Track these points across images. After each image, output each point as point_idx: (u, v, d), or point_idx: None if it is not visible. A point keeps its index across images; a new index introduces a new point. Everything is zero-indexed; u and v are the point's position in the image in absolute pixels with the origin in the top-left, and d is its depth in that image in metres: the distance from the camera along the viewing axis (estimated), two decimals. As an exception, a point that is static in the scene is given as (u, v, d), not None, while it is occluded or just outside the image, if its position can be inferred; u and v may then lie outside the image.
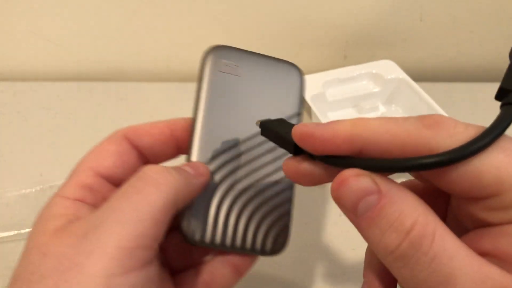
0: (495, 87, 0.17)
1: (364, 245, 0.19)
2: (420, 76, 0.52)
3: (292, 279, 0.34)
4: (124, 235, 0.17)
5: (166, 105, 0.51)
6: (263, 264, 0.35)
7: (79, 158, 0.23)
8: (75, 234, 0.18)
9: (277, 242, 0.24)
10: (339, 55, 0.56)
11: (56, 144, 0.44)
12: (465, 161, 0.15)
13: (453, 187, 0.16)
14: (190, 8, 0.51)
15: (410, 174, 0.20)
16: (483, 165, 0.15)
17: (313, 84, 0.46)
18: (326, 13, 0.52)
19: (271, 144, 0.24)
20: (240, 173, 0.24)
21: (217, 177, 0.24)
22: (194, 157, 0.24)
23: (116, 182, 0.23)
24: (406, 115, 0.46)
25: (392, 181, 0.17)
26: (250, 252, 0.24)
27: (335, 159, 0.18)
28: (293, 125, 0.20)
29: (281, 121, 0.22)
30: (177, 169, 0.21)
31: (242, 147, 0.25)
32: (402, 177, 0.20)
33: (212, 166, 0.24)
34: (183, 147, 0.25)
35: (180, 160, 0.24)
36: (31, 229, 0.20)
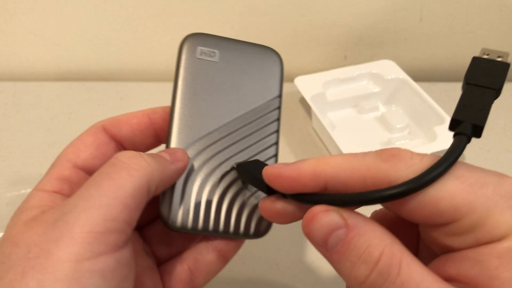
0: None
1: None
2: (420, 76, 0.53)
3: (292, 281, 0.34)
4: (93, 220, 0.17)
5: (166, 105, 0.51)
6: (264, 264, 0.35)
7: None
8: (46, 222, 0.18)
9: (260, 224, 0.24)
10: (339, 55, 0.56)
11: (56, 144, 0.45)
12: (422, 190, 0.16)
13: (413, 215, 0.17)
14: (190, 8, 0.51)
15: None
16: (439, 193, 0.16)
17: (313, 84, 0.46)
18: (326, 13, 0.52)
19: (251, 129, 0.25)
20: (221, 157, 0.24)
21: (197, 162, 0.24)
22: (172, 143, 0.24)
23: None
24: (406, 115, 0.46)
25: (359, 214, 0.18)
26: (234, 235, 0.24)
27: (303, 197, 0.19)
28: (265, 165, 0.21)
29: (255, 163, 0.24)
30: (152, 155, 0.21)
31: (222, 132, 0.24)
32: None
33: (191, 152, 0.24)
34: (163, 136, 0.25)
35: (161, 149, 0.24)
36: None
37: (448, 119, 0.41)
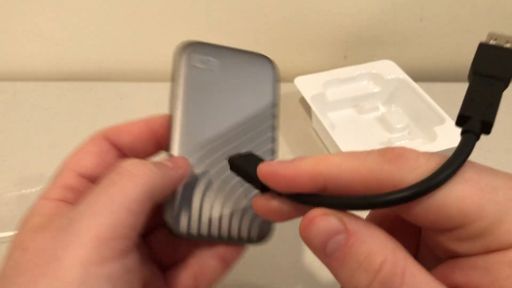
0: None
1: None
2: (420, 76, 0.53)
3: (293, 281, 0.34)
4: (100, 226, 0.18)
5: (166, 105, 0.51)
6: (264, 265, 0.35)
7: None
8: (54, 229, 0.18)
9: (263, 230, 0.25)
10: (339, 55, 0.56)
11: (56, 144, 0.44)
12: (429, 194, 0.15)
13: (419, 220, 0.16)
14: (190, 9, 0.51)
15: None
16: (447, 197, 0.15)
17: (313, 84, 0.46)
18: (326, 13, 0.52)
19: (251, 135, 0.25)
20: (222, 164, 0.24)
21: (199, 169, 0.24)
22: (173, 151, 0.24)
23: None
24: (406, 115, 0.46)
25: (360, 218, 0.17)
26: (236, 241, 0.24)
27: (300, 197, 0.18)
28: (261, 160, 0.20)
29: (249, 156, 0.22)
30: (154, 162, 0.22)
31: (222, 139, 0.25)
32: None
33: (192, 159, 0.24)
34: (163, 143, 0.25)
35: (162, 156, 0.24)
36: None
37: (448, 119, 0.42)
